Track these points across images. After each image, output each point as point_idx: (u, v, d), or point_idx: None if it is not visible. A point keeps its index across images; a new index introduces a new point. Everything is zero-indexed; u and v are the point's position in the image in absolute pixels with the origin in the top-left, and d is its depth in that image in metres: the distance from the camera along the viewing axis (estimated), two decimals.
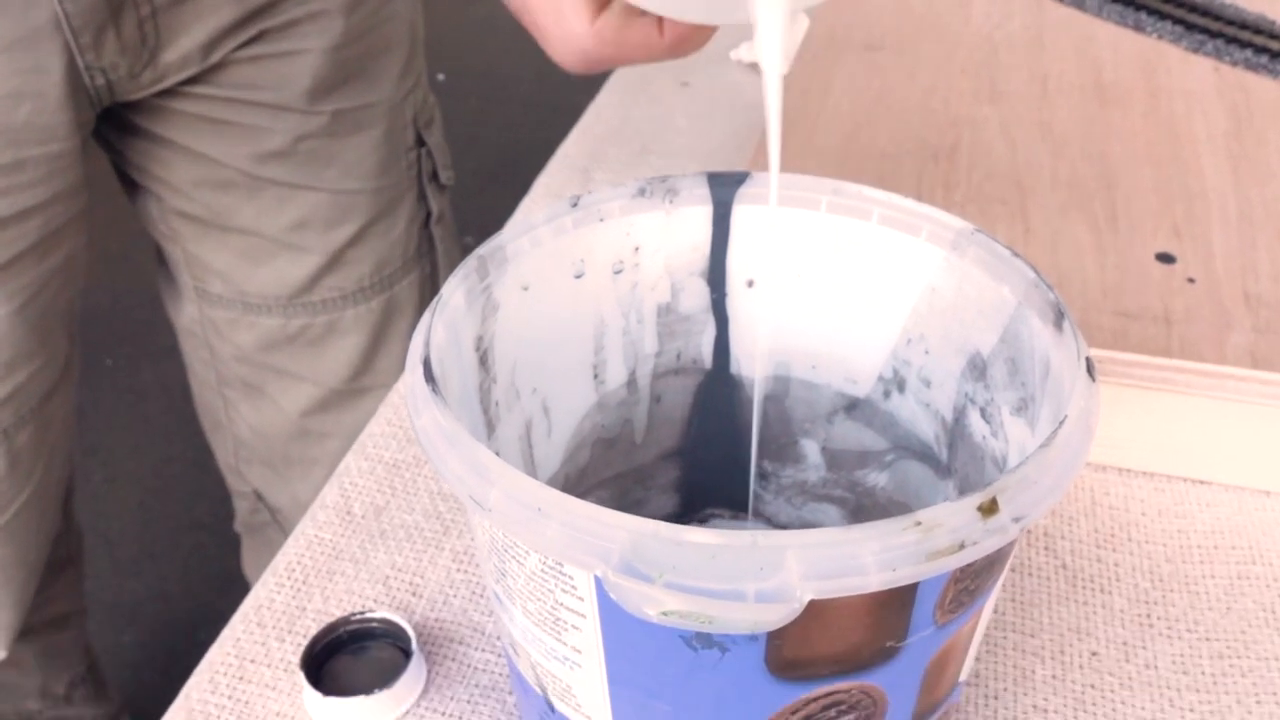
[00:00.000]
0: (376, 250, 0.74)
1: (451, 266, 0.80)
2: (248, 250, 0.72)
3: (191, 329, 0.79)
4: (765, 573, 0.26)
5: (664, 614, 0.27)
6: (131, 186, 0.73)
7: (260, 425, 0.81)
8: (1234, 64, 0.68)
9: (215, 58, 0.63)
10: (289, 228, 0.71)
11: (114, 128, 0.68)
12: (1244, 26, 0.70)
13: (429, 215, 0.78)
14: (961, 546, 0.27)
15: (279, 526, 0.90)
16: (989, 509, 0.27)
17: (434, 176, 0.77)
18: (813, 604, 0.26)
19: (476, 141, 2.30)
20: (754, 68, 0.80)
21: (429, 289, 0.80)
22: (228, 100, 0.65)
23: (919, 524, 0.27)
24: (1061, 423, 0.29)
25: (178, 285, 0.77)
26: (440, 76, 2.57)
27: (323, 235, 0.72)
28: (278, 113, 0.67)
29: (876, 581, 0.26)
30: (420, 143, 0.75)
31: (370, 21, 0.68)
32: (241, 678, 0.43)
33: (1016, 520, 0.27)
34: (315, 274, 0.73)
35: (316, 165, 0.69)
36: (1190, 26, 0.71)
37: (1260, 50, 0.68)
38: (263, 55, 0.64)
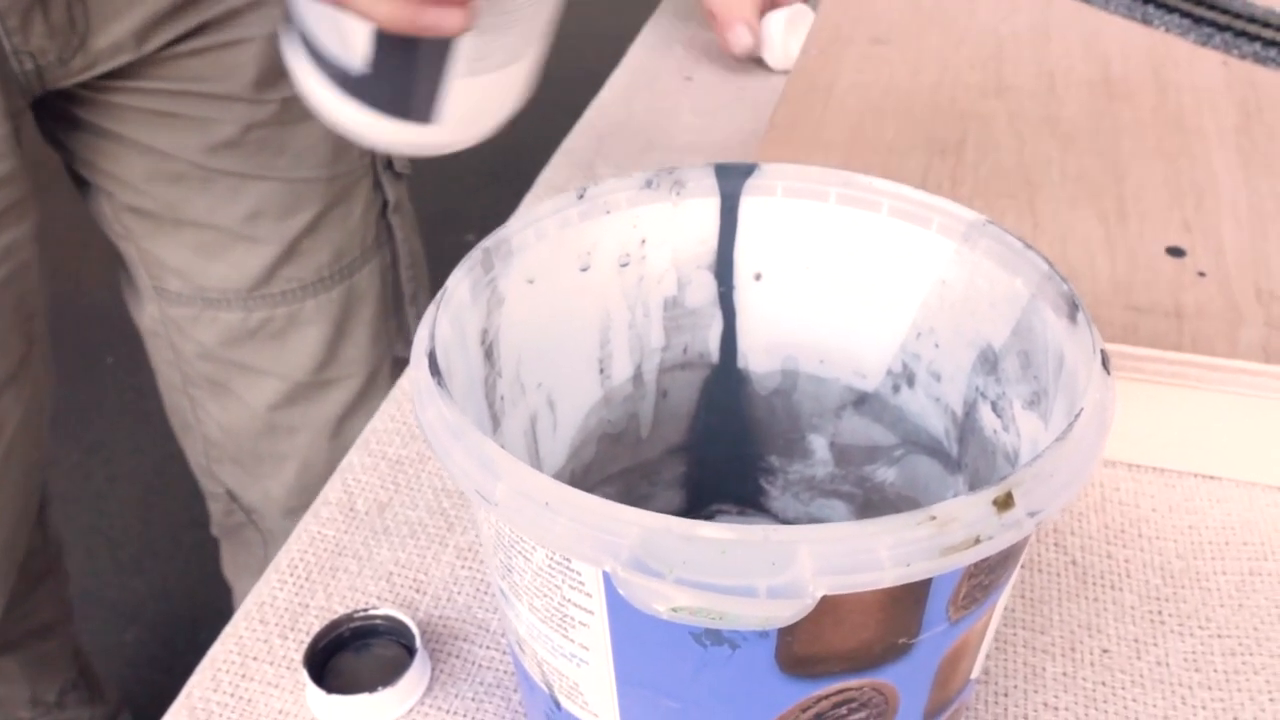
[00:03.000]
0: (333, 239, 0.74)
1: (411, 255, 0.80)
2: (203, 244, 0.71)
3: (154, 329, 0.78)
4: (777, 568, 0.26)
5: (674, 610, 0.26)
6: (83, 185, 0.72)
7: (228, 423, 0.80)
8: (1243, 57, 0.68)
9: (151, 46, 0.62)
10: (243, 219, 0.70)
11: (62, 123, 0.67)
12: (1253, 20, 0.70)
13: (385, 204, 0.77)
14: (977, 541, 0.26)
15: (255, 527, 0.89)
16: (1004, 503, 0.27)
17: (389, 165, 0.76)
18: (825, 600, 0.26)
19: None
20: (759, 63, 0.80)
21: (390, 278, 0.80)
22: (174, 93, 0.65)
23: (933, 519, 0.26)
24: (1077, 415, 0.29)
25: (136, 285, 0.76)
26: None
27: (277, 225, 0.71)
28: (225, 103, 0.66)
29: (891, 577, 0.26)
30: None
31: None
32: (244, 675, 0.43)
33: (1032, 515, 0.27)
34: (272, 265, 0.72)
35: (268, 154, 0.69)
36: (1198, 20, 0.71)
37: (1269, 44, 0.68)
38: (206, 47, 0.64)
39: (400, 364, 0.84)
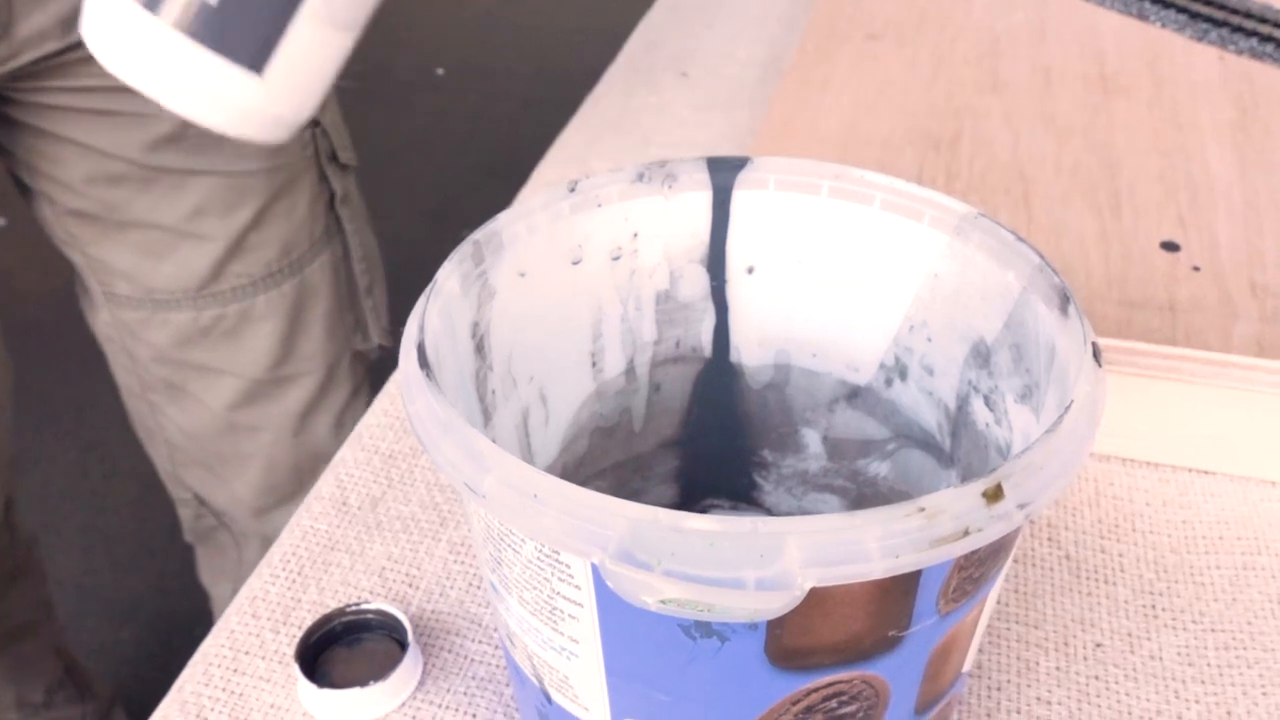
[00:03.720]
0: (280, 233, 0.74)
1: (364, 248, 0.80)
2: (148, 245, 0.71)
3: (108, 334, 0.78)
4: (766, 560, 0.26)
5: (663, 602, 0.26)
6: (25, 190, 0.72)
7: (189, 426, 0.80)
8: (1239, 53, 0.68)
9: (78, 34, 0.61)
10: (187, 216, 0.70)
11: (1, 126, 0.66)
12: (1249, 15, 0.70)
13: (332, 196, 0.77)
14: (966, 533, 0.26)
15: (226, 529, 0.89)
16: (994, 495, 0.27)
17: (333, 157, 0.76)
18: (814, 592, 0.26)
19: (475, 137, 2.29)
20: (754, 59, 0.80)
21: (342, 271, 0.79)
22: (111, 89, 0.64)
23: (922, 510, 0.26)
24: (1067, 408, 0.29)
25: (89, 291, 0.76)
26: (439, 71, 2.57)
27: (222, 220, 0.71)
28: None
29: (879, 569, 0.26)
30: (314, 122, 0.74)
31: None
32: (235, 670, 0.43)
33: (1022, 507, 0.27)
34: (220, 261, 0.72)
35: (208, 148, 0.68)
36: (1194, 15, 0.71)
37: (1265, 39, 0.68)
38: None
39: (359, 358, 0.83)
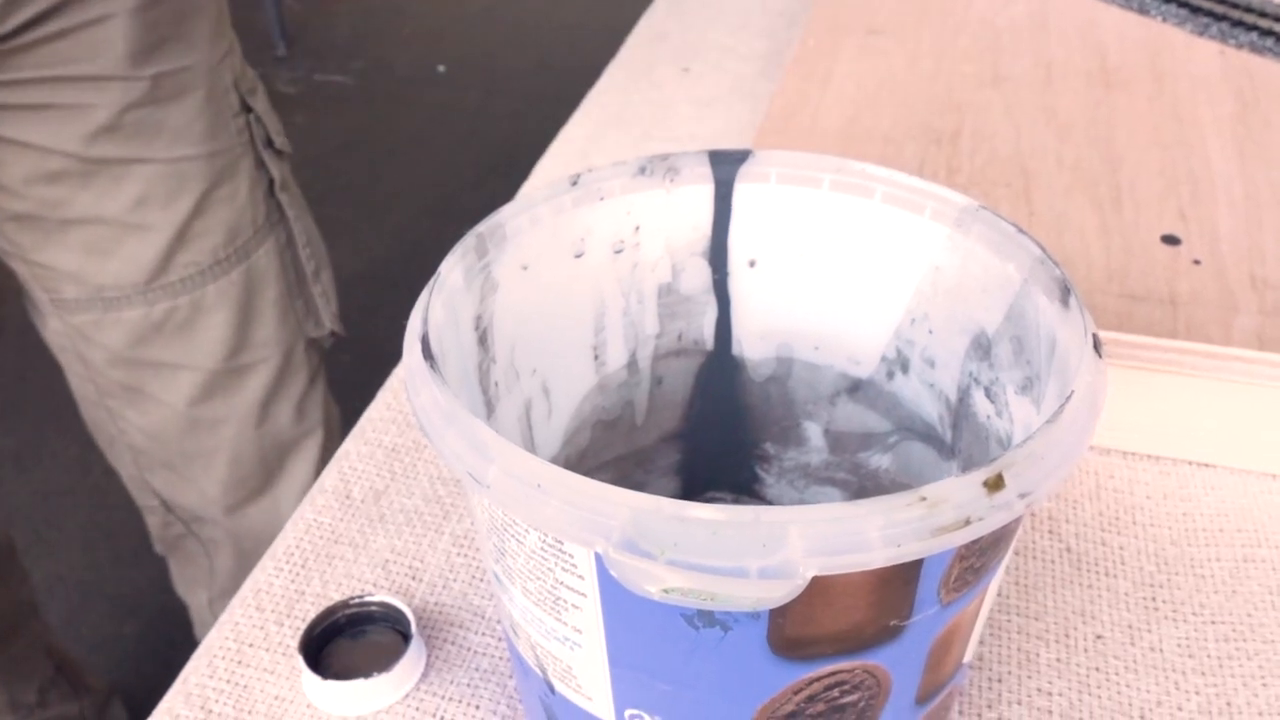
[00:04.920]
0: (224, 219, 0.73)
1: (306, 234, 0.80)
2: (92, 242, 0.70)
3: (60, 343, 0.77)
4: (768, 549, 0.26)
5: (666, 592, 0.26)
6: None
7: (150, 427, 0.80)
8: (1239, 47, 0.68)
9: (9, 25, 0.61)
10: (129, 207, 0.70)
11: None
12: (1249, 10, 0.70)
13: (272, 182, 0.77)
14: (967, 522, 0.26)
15: (195, 537, 0.88)
16: (995, 484, 0.27)
17: (269, 143, 0.76)
18: (816, 581, 0.26)
19: (477, 133, 2.29)
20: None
21: (289, 257, 0.79)
22: (45, 81, 0.64)
23: (924, 499, 0.26)
24: (1068, 398, 0.29)
25: (36, 303, 0.75)
26: (440, 68, 2.57)
27: (165, 209, 0.71)
28: (99, 85, 0.65)
29: (881, 558, 0.26)
30: (246, 108, 0.74)
31: None
32: (240, 661, 0.43)
33: (1022, 496, 0.27)
34: (166, 251, 0.72)
35: (146, 135, 0.68)
36: (1195, 10, 0.71)
37: (1266, 33, 0.68)
38: (71, 27, 0.63)
39: (313, 344, 0.83)
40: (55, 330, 0.76)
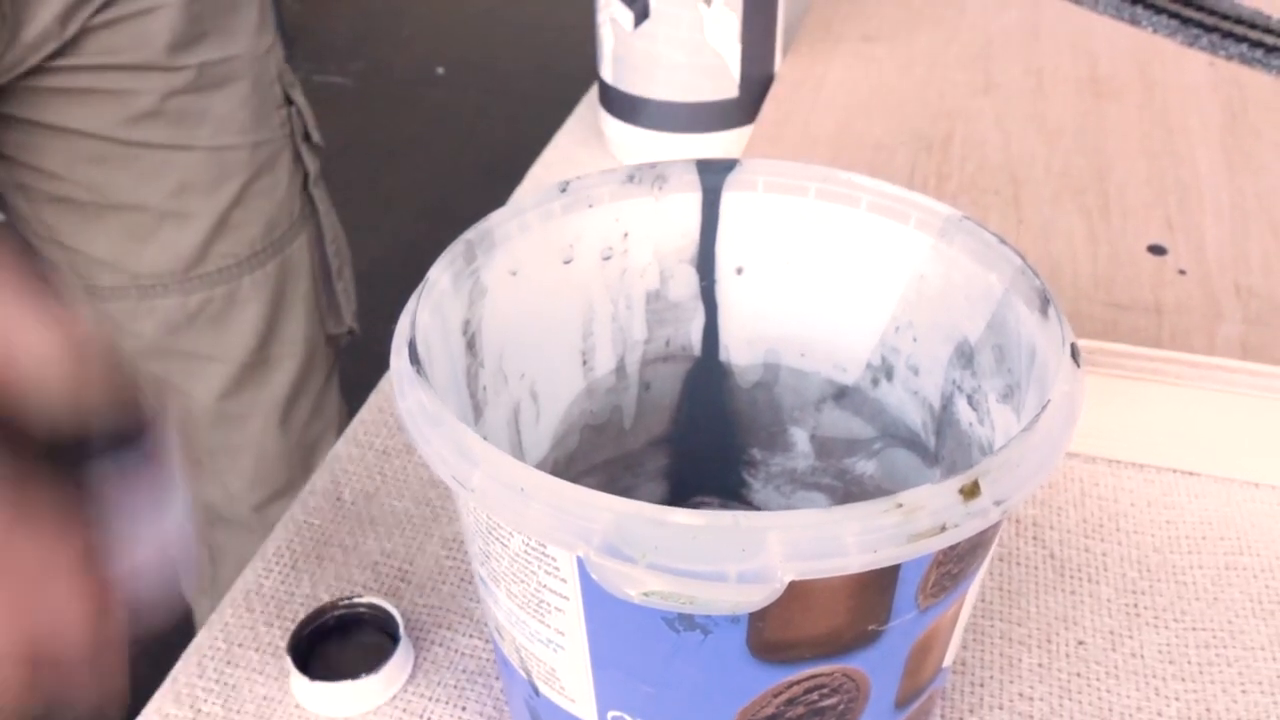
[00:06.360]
0: (264, 210, 0.73)
1: (334, 230, 0.80)
2: (131, 228, 0.70)
3: None
4: (747, 554, 0.26)
5: (646, 595, 0.27)
6: None
7: (178, 420, 0.79)
8: (1229, 58, 0.68)
9: (72, 29, 0.62)
10: (170, 193, 0.70)
11: None
12: (1239, 21, 0.70)
13: (306, 175, 0.77)
14: (943, 529, 0.27)
15: (204, 545, 0.87)
16: (970, 491, 0.27)
17: (306, 136, 0.76)
18: (794, 585, 0.26)
19: (475, 135, 2.30)
20: None
21: (318, 252, 0.79)
22: (89, 68, 0.64)
23: (900, 506, 0.27)
24: (1044, 407, 0.29)
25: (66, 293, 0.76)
26: (440, 70, 2.57)
27: (206, 198, 0.71)
28: (142, 73, 0.66)
29: (857, 563, 0.26)
30: (289, 101, 0.74)
31: None
32: (229, 661, 0.43)
33: (998, 503, 0.27)
34: (205, 241, 0.72)
35: (189, 123, 0.68)
36: (1185, 20, 0.71)
37: (1255, 45, 0.68)
38: (118, 18, 0.63)
39: (332, 340, 0.83)
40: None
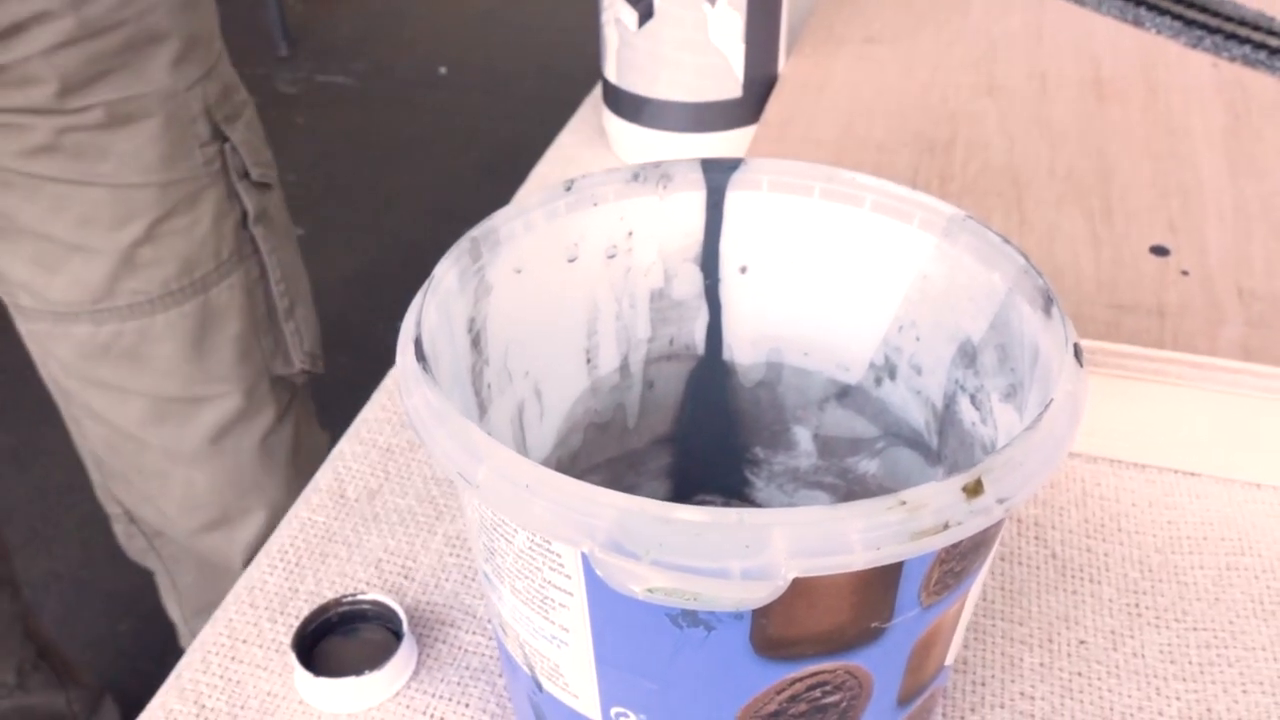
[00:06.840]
0: (178, 250, 0.71)
1: (283, 268, 0.77)
2: (40, 256, 0.69)
3: (31, 346, 0.76)
4: (751, 550, 0.26)
5: (650, 591, 0.27)
6: None
7: (107, 439, 0.78)
8: (1232, 60, 0.68)
9: None
10: (73, 226, 0.68)
11: None
12: (1242, 23, 0.70)
13: (245, 215, 0.74)
14: (946, 527, 0.27)
15: (156, 554, 0.87)
16: (974, 490, 0.27)
17: (245, 174, 0.73)
18: (798, 582, 0.27)
19: (477, 135, 2.30)
20: None
21: (259, 293, 0.76)
22: None
23: (904, 503, 0.27)
24: (1047, 405, 0.29)
25: (3, 304, 0.75)
26: (442, 70, 2.57)
27: (110, 233, 0.68)
28: (31, 114, 0.64)
29: (861, 560, 0.26)
30: (221, 137, 0.72)
31: (117, 15, 0.64)
32: (233, 658, 0.43)
33: (1001, 501, 0.27)
34: (110, 275, 0.70)
35: (89, 159, 0.66)
36: (1189, 22, 0.71)
37: (1258, 46, 0.68)
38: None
39: (281, 381, 0.80)
40: (21, 332, 0.76)
